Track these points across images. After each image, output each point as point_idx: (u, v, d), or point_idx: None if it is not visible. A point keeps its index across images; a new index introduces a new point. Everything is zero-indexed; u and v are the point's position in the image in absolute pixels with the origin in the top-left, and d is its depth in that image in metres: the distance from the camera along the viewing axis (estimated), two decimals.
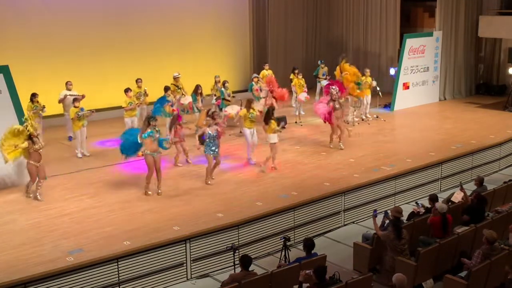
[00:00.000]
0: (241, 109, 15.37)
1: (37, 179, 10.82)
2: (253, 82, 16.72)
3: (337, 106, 13.83)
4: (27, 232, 9.47)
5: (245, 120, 12.80)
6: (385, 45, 21.35)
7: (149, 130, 10.76)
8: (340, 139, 14.02)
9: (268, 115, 12.24)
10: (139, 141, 10.88)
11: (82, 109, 13.47)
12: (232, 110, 15.50)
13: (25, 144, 10.59)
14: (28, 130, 10.59)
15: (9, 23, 16.13)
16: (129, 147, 11.28)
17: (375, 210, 9.51)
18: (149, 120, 10.88)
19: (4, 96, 11.41)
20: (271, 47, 21.47)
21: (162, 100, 12.76)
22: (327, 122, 14.09)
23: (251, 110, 12.77)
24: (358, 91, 16.02)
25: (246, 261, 7.87)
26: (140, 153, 13.55)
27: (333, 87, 14.04)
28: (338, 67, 16.69)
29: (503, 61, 20.75)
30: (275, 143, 12.28)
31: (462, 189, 10.61)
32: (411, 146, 14.33)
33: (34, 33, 16.52)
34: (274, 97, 15.20)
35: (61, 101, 14.55)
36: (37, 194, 10.83)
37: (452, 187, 13.05)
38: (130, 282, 8.83)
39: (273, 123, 12.20)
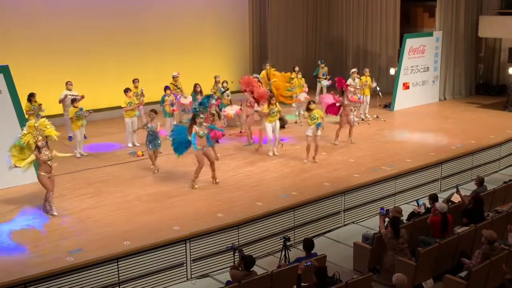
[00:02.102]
0: (240, 109, 15.43)
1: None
2: None
3: (346, 102, 14.20)
4: (27, 232, 9.46)
5: (267, 116, 13.33)
6: (385, 45, 21.35)
7: (201, 132, 11.14)
8: (350, 135, 14.44)
9: (308, 108, 12.74)
10: (189, 139, 11.22)
11: (81, 109, 13.47)
12: (231, 110, 15.51)
13: (32, 157, 10.03)
14: (26, 142, 9.96)
15: (10, 23, 16.13)
16: (179, 145, 11.47)
17: (382, 208, 9.50)
18: (195, 118, 11.18)
19: (4, 96, 11.41)
20: (271, 47, 21.47)
21: (207, 98, 12.91)
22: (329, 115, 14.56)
23: (271, 106, 13.25)
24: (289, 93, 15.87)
25: (249, 262, 7.87)
26: (140, 152, 13.64)
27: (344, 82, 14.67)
28: (264, 74, 15.87)
29: (503, 61, 20.72)
30: (309, 135, 12.69)
31: (458, 192, 10.61)
32: (411, 146, 14.33)
33: (34, 33, 16.51)
34: (254, 98, 14.47)
35: (62, 101, 14.55)
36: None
37: (452, 187, 13.03)
38: (130, 282, 8.83)
39: (308, 116, 12.70)
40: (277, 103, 13.55)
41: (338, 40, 22.86)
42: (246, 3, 21.14)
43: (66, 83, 14.58)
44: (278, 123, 13.48)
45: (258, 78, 17.24)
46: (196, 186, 11.39)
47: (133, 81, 15.20)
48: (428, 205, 10.27)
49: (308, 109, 12.75)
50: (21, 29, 16.29)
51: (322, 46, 22.95)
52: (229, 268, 8.42)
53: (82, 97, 14.20)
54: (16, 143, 10.14)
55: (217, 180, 11.60)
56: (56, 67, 16.71)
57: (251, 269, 7.89)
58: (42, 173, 10.05)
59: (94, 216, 10.06)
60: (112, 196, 11.05)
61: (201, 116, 11.25)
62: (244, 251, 9.19)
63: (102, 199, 10.87)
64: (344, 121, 14.21)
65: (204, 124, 11.35)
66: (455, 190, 10.81)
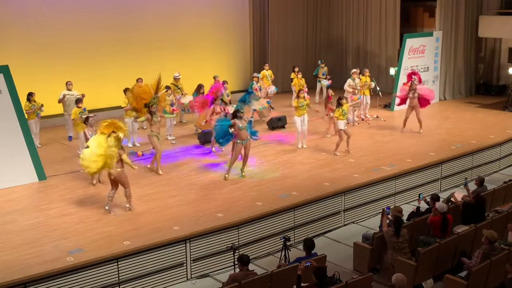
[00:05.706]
0: None
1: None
2: (254, 81, 16.74)
3: (414, 95, 15.23)
4: (27, 232, 9.47)
5: (296, 109, 13.88)
6: (385, 45, 21.33)
7: (240, 124, 11.67)
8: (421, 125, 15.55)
9: (338, 103, 13.33)
10: (231, 131, 11.76)
11: (84, 109, 13.44)
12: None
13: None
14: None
15: (9, 23, 16.11)
16: (223, 136, 12.04)
17: (388, 207, 9.55)
18: (236, 113, 11.76)
19: (4, 96, 11.41)
20: (271, 47, 21.48)
21: (248, 94, 13.62)
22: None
23: (301, 100, 13.78)
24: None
25: (244, 260, 7.89)
26: (140, 152, 13.66)
27: (414, 76, 15.45)
28: (136, 87, 13.36)
29: (503, 61, 20.72)
30: (342, 129, 13.25)
31: (466, 186, 10.64)
32: (411, 146, 14.32)
33: (34, 33, 16.51)
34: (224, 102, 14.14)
35: (61, 101, 14.54)
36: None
37: (452, 187, 13.06)
38: (130, 282, 8.84)
39: (338, 111, 13.24)
40: (305, 97, 14.00)
41: (338, 40, 22.85)
42: (246, 3, 21.12)
43: (66, 83, 14.57)
44: (306, 117, 13.92)
45: (257, 77, 17.28)
46: (227, 175, 11.93)
47: (137, 81, 15.17)
48: (429, 200, 10.28)
49: (340, 104, 13.22)
50: (20, 28, 16.28)
51: (322, 46, 22.95)
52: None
53: (83, 95, 14.19)
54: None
55: (244, 173, 12.05)
56: (56, 66, 16.70)
57: (253, 270, 7.90)
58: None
59: (94, 216, 10.06)
60: None
61: (242, 111, 11.98)
62: (243, 251, 9.21)
63: (102, 199, 10.84)
64: (410, 110, 15.40)
65: (245, 118, 11.93)
66: (457, 188, 10.81)
